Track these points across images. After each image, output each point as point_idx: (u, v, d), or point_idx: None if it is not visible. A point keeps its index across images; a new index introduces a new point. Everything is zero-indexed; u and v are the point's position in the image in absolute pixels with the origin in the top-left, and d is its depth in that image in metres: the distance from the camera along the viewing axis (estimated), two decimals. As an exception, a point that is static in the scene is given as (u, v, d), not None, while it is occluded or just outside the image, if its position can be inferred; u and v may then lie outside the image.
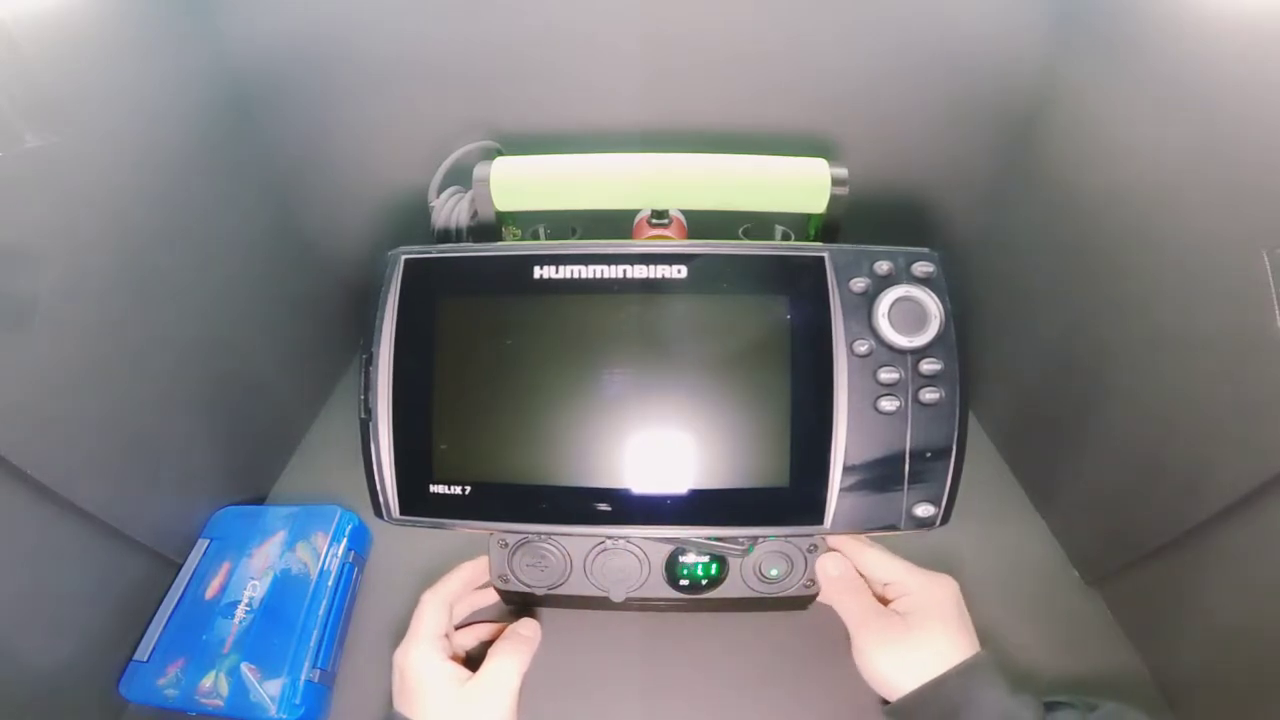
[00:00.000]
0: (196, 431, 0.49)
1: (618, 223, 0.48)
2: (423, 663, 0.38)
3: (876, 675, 0.37)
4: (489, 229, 0.43)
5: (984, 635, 0.38)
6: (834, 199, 0.40)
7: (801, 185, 0.40)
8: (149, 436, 0.44)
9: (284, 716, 0.40)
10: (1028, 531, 0.53)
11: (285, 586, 0.46)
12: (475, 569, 0.44)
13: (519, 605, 0.46)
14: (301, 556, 0.47)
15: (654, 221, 0.47)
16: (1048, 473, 0.54)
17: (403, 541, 0.49)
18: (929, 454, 0.35)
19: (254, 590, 0.46)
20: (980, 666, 0.35)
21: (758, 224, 0.47)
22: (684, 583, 0.42)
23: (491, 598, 0.46)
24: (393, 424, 0.36)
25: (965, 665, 0.35)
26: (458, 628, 0.44)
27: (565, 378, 0.36)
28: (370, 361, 0.36)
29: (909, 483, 0.35)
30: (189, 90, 0.47)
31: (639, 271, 0.36)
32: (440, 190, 0.47)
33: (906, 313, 0.35)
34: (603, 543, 0.41)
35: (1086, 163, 0.46)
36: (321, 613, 0.44)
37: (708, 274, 0.36)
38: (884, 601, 0.40)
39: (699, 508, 0.36)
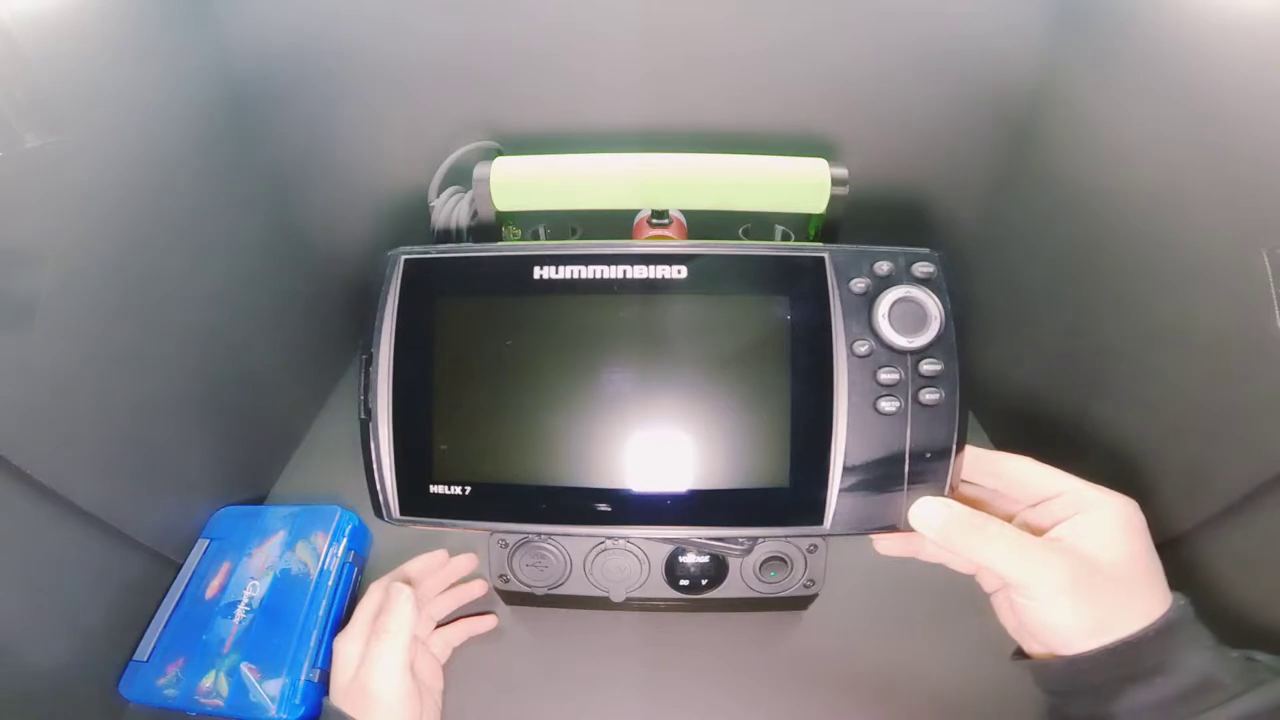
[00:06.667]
0: (196, 431, 0.49)
1: (618, 223, 0.48)
2: (392, 670, 0.36)
3: (1046, 628, 0.29)
4: (489, 229, 0.43)
5: (988, 634, 0.37)
6: (834, 199, 0.40)
7: (801, 185, 0.40)
8: (149, 436, 0.44)
9: (284, 716, 0.40)
10: (1028, 531, 0.53)
11: (285, 586, 0.46)
12: (433, 559, 0.45)
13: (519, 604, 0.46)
14: (301, 556, 0.47)
15: (654, 221, 0.47)
16: (1048, 473, 0.53)
17: (403, 541, 0.49)
18: (929, 454, 0.34)
19: (254, 590, 0.45)
20: (1181, 623, 0.28)
21: (758, 224, 0.47)
22: (684, 583, 0.42)
23: (473, 594, 0.46)
24: (393, 424, 0.36)
25: (1165, 623, 0.28)
26: (439, 625, 0.45)
27: (565, 378, 0.36)
28: (370, 361, 0.36)
29: (909, 483, 0.35)
30: (189, 90, 0.47)
31: (639, 271, 0.36)
32: (440, 190, 0.48)
33: (906, 313, 0.35)
34: (602, 543, 0.41)
35: (1086, 162, 0.46)
36: (321, 613, 0.44)
37: (708, 274, 0.36)
38: (1033, 529, 0.31)
39: (699, 508, 0.36)
